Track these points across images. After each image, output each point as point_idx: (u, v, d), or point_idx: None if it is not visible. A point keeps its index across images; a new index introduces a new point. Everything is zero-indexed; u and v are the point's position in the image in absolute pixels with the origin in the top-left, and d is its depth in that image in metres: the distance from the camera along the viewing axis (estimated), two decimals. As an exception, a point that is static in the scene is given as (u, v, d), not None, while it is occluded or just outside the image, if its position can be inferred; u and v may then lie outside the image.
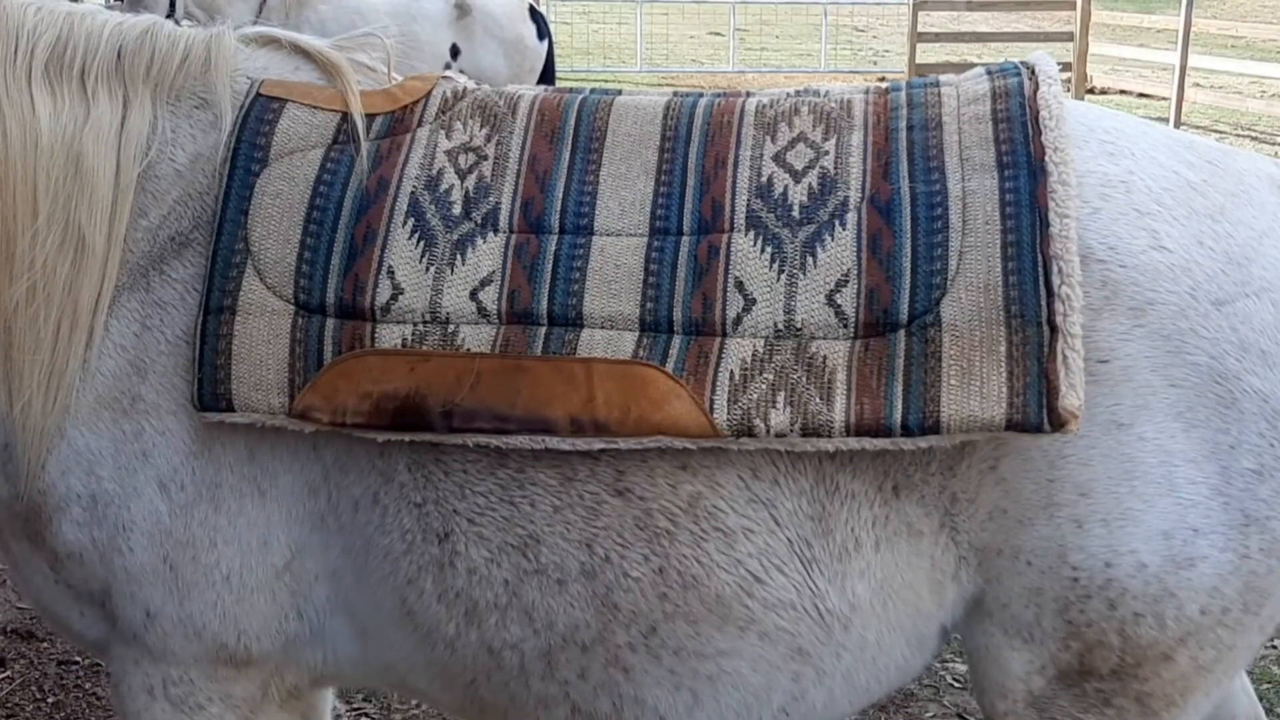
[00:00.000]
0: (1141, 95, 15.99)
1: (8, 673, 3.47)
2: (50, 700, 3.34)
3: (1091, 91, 15.80)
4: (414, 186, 1.82)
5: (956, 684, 3.45)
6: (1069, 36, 16.17)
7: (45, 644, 3.61)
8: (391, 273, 1.76)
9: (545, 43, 9.55)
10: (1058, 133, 1.74)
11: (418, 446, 1.77)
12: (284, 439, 1.79)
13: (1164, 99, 14.79)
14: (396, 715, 3.30)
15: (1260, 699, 3.31)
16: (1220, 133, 13.81)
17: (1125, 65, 17.45)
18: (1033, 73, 1.85)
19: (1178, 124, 13.72)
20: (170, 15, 8.60)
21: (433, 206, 1.80)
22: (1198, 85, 15.39)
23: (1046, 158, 1.72)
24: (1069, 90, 15.18)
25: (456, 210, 1.80)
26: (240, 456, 1.80)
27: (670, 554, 1.75)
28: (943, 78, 1.93)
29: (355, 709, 3.32)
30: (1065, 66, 15.53)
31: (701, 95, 1.95)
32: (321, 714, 2.18)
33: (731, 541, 1.74)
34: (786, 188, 1.78)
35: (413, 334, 1.74)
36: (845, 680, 1.83)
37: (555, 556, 1.77)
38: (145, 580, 1.80)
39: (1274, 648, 3.68)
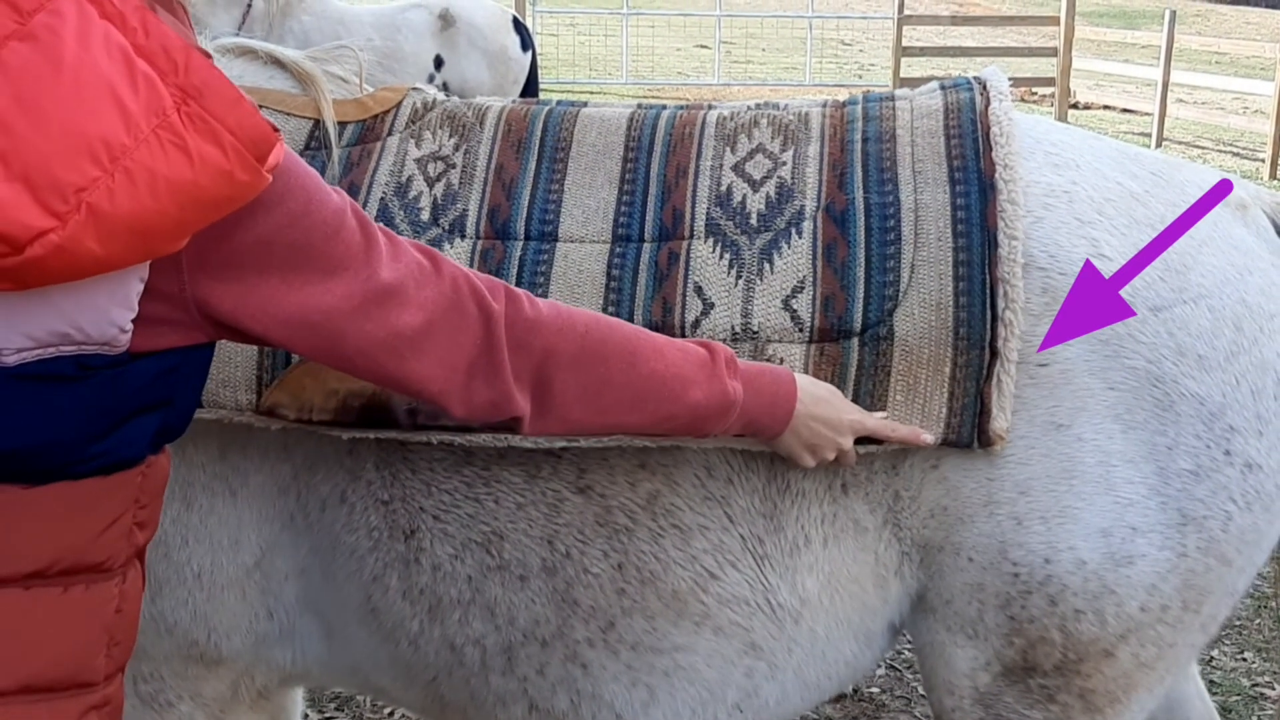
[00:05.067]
0: (1125, 110, 16.08)
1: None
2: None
3: (1075, 106, 15.90)
4: (384, 192, 1.86)
5: (927, 694, 3.46)
6: (1053, 52, 16.27)
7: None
8: None
9: (529, 54, 9.57)
10: (1008, 149, 1.78)
11: (385, 445, 1.81)
12: (255, 438, 1.82)
13: (1147, 114, 14.89)
14: (368, 722, 3.31)
15: (1229, 710, 3.35)
16: (1202, 148, 13.89)
17: (1109, 80, 17.56)
18: (984, 88, 1.90)
19: (1160, 139, 13.81)
20: (156, 24, 8.61)
21: (402, 212, 1.85)
22: (1180, 101, 15.50)
23: (996, 175, 1.76)
24: (1053, 105, 15.30)
25: (425, 216, 1.85)
26: (212, 455, 1.82)
27: (629, 550, 1.79)
28: (898, 92, 1.99)
29: (327, 718, 3.32)
30: (1049, 81, 15.65)
31: (665, 107, 2.00)
32: (291, 716, 2.19)
33: (687, 538, 1.79)
34: (745, 196, 1.83)
35: (379, 335, 1.77)
36: (797, 675, 1.88)
37: (517, 553, 1.80)
38: (115, 576, 1.83)
39: (1243, 660, 3.66)
